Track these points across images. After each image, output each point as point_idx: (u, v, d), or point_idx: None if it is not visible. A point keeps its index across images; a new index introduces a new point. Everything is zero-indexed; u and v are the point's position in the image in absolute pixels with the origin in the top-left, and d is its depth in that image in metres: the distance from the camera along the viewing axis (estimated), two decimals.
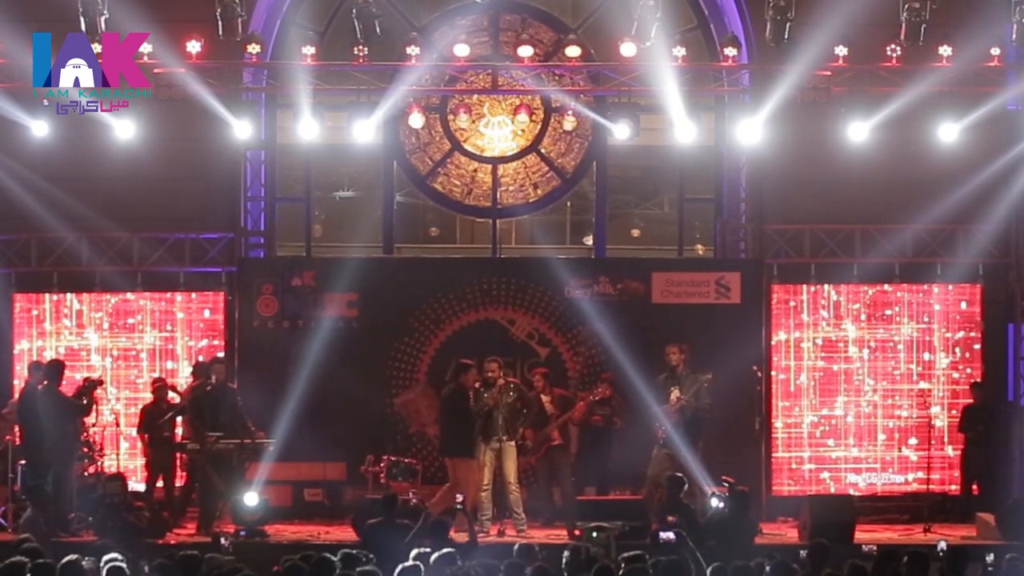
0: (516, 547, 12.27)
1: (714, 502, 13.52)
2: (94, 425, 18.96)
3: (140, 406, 19.62)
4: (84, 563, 11.15)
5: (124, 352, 20.69)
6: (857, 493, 20.31)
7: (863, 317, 20.93)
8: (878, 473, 20.82)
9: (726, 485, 16.72)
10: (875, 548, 15.58)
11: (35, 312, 20.68)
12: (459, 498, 16.64)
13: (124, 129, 19.93)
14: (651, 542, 12.14)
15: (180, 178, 20.80)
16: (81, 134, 20.33)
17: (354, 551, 11.94)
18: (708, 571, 11.03)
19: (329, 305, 20.63)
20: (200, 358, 20.19)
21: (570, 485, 19.39)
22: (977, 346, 20.94)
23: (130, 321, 20.72)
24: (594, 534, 16.71)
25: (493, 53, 21.76)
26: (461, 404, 18.60)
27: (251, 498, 18.02)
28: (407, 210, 22.87)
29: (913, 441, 20.68)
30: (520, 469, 18.92)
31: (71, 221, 20.64)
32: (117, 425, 19.80)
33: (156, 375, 20.08)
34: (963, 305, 20.98)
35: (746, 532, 15.57)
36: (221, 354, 20.02)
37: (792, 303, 20.91)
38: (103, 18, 18.93)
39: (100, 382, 18.81)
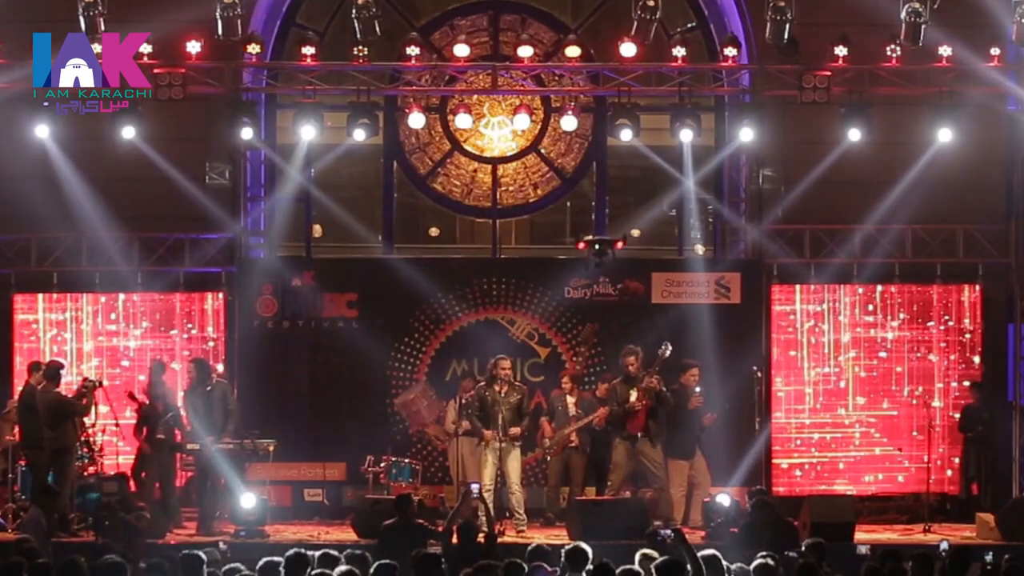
0: (530, 547, 12.24)
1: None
2: (93, 425, 18.97)
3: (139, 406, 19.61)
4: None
5: (123, 352, 20.66)
6: (857, 493, 20.31)
7: (863, 317, 20.91)
8: (878, 473, 20.80)
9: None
10: (868, 549, 15.60)
11: (34, 312, 20.66)
12: (475, 488, 16.63)
13: (124, 129, 19.92)
14: (649, 542, 12.12)
15: (180, 178, 20.78)
16: (81, 134, 20.32)
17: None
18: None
19: (329, 305, 20.64)
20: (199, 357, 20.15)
21: (580, 487, 19.37)
22: (977, 346, 20.93)
23: (129, 321, 20.70)
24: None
25: (493, 53, 21.77)
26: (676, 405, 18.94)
27: (248, 499, 18.00)
28: (407, 210, 22.87)
29: (912, 440, 20.67)
30: (524, 469, 18.96)
31: (71, 221, 20.63)
32: (117, 425, 19.75)
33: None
34: (963, 305, 20.98)
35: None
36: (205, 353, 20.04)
37: (792, 303, 20.89)
38: (103, 18, 18.93)
39: (99, 383, 18.79)
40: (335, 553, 11.72)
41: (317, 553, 11.78)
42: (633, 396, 18.71)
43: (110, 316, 20.70)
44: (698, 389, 19.06)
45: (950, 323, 20.94)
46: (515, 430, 18.31)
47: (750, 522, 16.15)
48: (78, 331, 20.68)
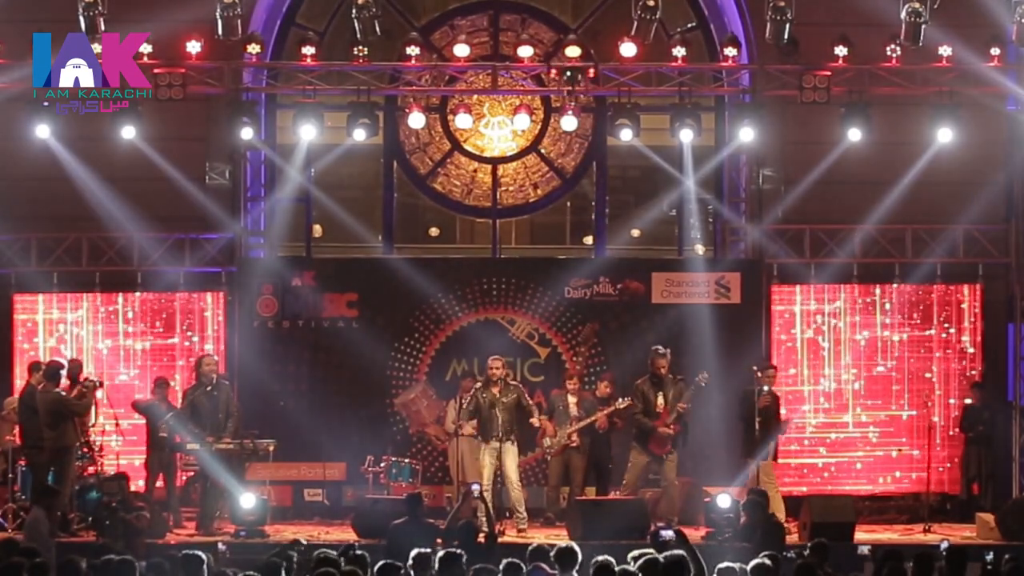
0: (531, 547, 12.24)
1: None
2: (93, 425, 18.97)
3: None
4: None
5: (124, 352, 20.66)
6: (857, 493, 20.29)
7: (862, 317, 20.91)
8: (878, 473, 20.80)
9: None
10: (868, 549, 15.60)
11: (35, 312, 20.66)
12: (475, 488, 16.62)
13: (124, 129, 19.92)
14: (651, 541, 12.11)
15: (180, 178, 20.78)
16: (81, 134, 20.32)
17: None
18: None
19: (329, 305, 20.65)
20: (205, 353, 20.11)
21: (581, 487, 19.37)
22: (977, 346, 20.93)
23: (129, 321, 20.69)
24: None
25: (493, 53, 21.78)
26: (745, 406, 19.04)
27: (247, 499, 17.99)
28: (407, 210, 22.87)
29: (913, 441, 20.67)
30: (524, 468, 18.96)
31: (71, 221, 20.64)
32: (117, 425, 19.74)
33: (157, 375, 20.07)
34: (963, 305, 20.97)
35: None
36: (210, 352, 20.03)
37: (792, 303, 20.89)
38: (103, 18, 18.93)
39: (100, 383, 18.78)
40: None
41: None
42: (660, 401, 18.82)
43: (110, 316, 20.69)
44: (765, 388, 19.04)
45: (950, 324, 20.93)
46: (545, 423, 18.72)
47: (748, 522, 16.17)
48: (77, 331, 20.66)
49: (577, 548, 11.61)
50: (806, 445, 20.81)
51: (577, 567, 11.40)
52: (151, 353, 20.67)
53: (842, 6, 20.36)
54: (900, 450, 20.70)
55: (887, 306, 20.94)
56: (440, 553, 11.32)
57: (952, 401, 20.85)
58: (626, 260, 21.62)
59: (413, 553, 11.57)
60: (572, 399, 19.48)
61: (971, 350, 20.94)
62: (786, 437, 20.59)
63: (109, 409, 19.44)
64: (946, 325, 20.95)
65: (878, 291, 20.97)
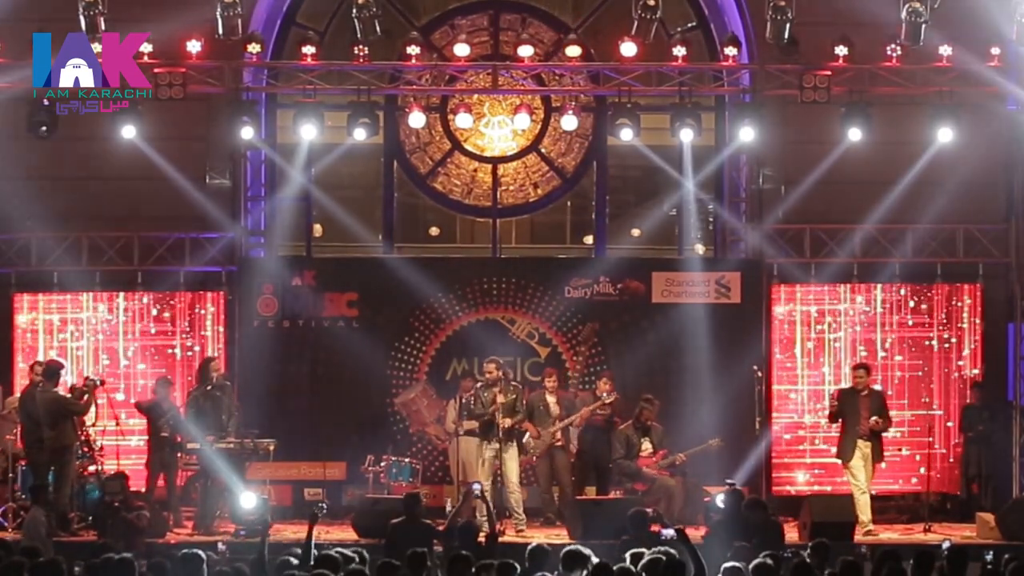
0: (530, 546, 12.24)
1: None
2: (93, 425, 18.98)
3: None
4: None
5: (123, 352, 20.66)
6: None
7: (862, 317, 20.91)
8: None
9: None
10: (864, 549, 15.61)
11: (35, 312, 20.66)
12: (476, 487, 16.65)
13: (124, 129, 19.92)
14: (634, 534, 12.13)
15: (180, 178, 20.78)
16: (81, 134, 20.32)
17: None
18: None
19: (329, 305, 20.65)
20: (211, 355, 20.13)
21: (570, 485, 19.40)
22: (977, 346, 20.93)
23: (129, 321, 20.69)
24: None
25: (493, 53, 21.78)
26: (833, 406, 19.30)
27: (247, 499, 17.98)
28: (407, 210, 22.87)
29: (913, 441, 20.67)
30: (521, 469, 18.96)
31: (71, 221, 20.63)
32: (117, 425, 19.74)
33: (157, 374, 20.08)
34: (963, 305, 20.96)
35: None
36: (215, 355, 20.03)
37: (792, 303, 20.89)
38: (103, 18, 18.94)
39: (100, 382, 18.79)
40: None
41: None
42: (647, 446, 19.10)
43: (109, 315, 20.69)
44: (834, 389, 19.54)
45: (950, 323, 20.92)
46: (506, 421, 18.38)
47: (723, 518, 16.15)
48: (78, 331, 20.67)
49: (588, 551, 11.56)
50: (806, 444, 20.78)
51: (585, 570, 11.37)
52: (151, 353, 20.65)
53: (842, 6, 20.36)
54: (900, 449, 20.67)
55: (887, 306, 20.92)
56: (451, 556, 11.33)
57: (954, 389, 20.83)
58: (626, 260, 21.61)
59: (408, 553, 11.59)
60: (551, 398, 19.47)
61: (970, 352, 20.91)
62: (793, 436, 20.63)
63: (110, 408, 19.44)
64: (945, 326, 20.93)
65: (878, 291, 20.96)
